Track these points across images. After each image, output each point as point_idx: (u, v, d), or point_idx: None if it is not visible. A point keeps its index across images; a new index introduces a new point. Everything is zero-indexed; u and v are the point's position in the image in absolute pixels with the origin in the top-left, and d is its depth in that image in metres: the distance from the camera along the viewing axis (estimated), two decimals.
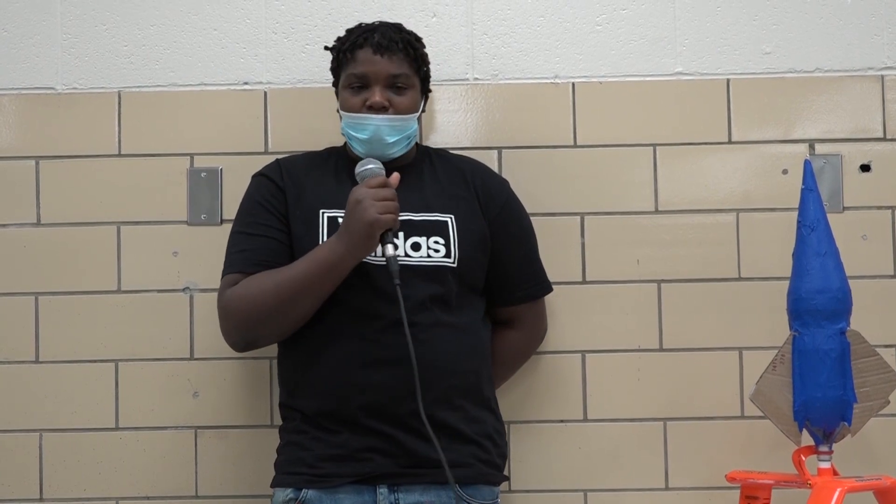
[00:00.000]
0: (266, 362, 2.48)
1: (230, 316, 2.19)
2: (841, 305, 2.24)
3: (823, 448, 2.26)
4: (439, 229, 2.24)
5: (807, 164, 2.33)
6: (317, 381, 2.19)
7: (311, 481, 2.16)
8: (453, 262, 2.22)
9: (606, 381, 2.52)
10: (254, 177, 2.33)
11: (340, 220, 2.17)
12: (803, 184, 2.31)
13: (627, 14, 2.60)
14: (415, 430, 2.12)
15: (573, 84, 2.58)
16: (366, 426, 2.14)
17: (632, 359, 2.52)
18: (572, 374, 2.52)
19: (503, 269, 2.33)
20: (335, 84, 2.34)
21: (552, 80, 2.58)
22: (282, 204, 2.25)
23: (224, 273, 2.24)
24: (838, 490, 2.15)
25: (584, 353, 2.52)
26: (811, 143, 2.57)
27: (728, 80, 2.57)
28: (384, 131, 2.22)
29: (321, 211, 2.23)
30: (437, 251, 2.22)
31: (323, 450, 2.16)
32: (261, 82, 2.58)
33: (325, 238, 2.20)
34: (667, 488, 2.50)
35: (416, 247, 2.21)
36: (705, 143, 2.56)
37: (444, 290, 2.21)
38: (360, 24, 2.33)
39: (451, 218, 2.25)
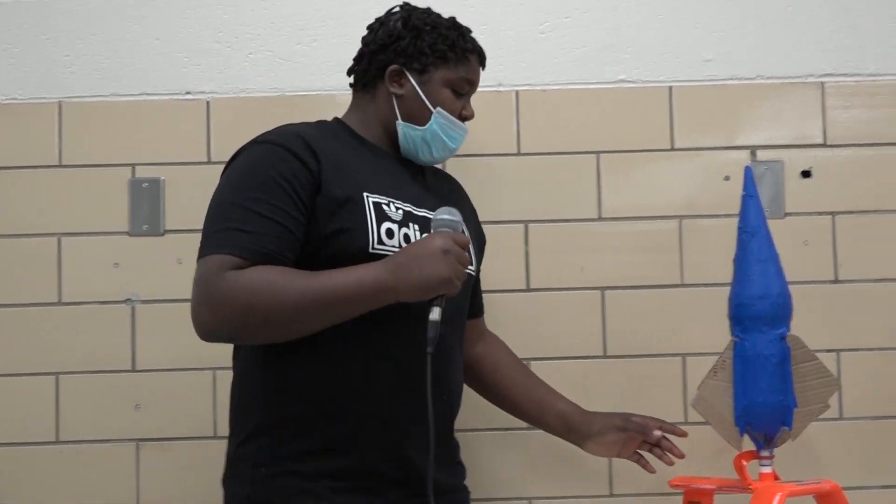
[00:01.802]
0: (209, 374, 2.47)
1: (228, 305, 1.82)
2: (781, 311, 2.25)
3: (765, 453, 2.26)
4: None
5: (747, 170, 2.33)
6: (339, 397, 1.93)
7: None
8: (475, 270, 2.11)
9: None
10: (263, 144, 1.96)
11: (384, 206, 1.97)
12: (744, 190, 2.31)
13: (571, 22, 2.60)
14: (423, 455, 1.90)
15: (517, 92, 2.58)
16: (377, 455, 1.94)
17: (577, 366, 2.52)
18: None
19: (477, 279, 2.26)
20: (407, 66, 2.07)
21: (495, 88, 2.57)
22: (306, 189, 1.90)
23: (214, 248, 1.86)
24: (779, 494, 2.15)
25: (528, 360, 2.50)
26: (753, 150, 2.58)
27: (671, 88, 2.58)
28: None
29: (364, 194, 1.96)
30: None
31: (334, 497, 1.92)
32: (203, 91, 2.57)
33: (374, 223, 1.94)
34: (611, 495, 2.50)
35: None
36: (648, 150, 2.57)
37: (465, 304, 2.09)
38: (451, 21, 2.14)
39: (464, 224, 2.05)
